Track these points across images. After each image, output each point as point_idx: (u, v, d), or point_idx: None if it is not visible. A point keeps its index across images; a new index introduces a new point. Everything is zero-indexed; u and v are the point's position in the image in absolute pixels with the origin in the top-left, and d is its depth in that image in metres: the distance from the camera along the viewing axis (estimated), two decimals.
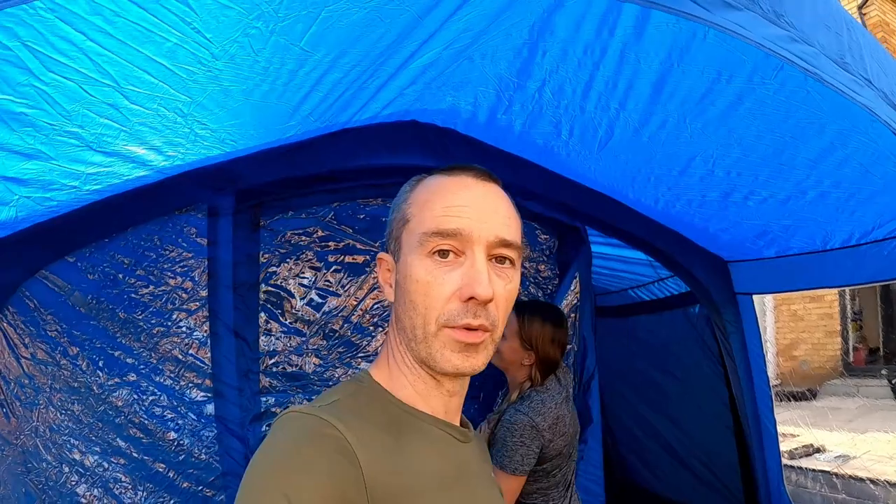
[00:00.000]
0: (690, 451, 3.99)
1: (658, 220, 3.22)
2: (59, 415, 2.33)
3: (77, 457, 2.33)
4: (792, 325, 9.28)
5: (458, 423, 1.29)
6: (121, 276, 2.50)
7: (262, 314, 2.66)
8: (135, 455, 2.39)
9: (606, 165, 2.87)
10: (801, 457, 5.54)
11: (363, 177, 2.80)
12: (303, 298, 2.73)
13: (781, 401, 8.30)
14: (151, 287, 2.51)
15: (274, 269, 2.73)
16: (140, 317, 2.48)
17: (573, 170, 3.01)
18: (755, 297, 3.53)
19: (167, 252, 2.55)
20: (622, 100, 2.30)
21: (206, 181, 2.56)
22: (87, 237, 2.49)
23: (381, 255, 1.29)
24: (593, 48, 2.02)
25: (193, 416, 2.48)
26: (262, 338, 2.63)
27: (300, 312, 2.73)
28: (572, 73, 2.20)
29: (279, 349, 2.69)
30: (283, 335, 2.69)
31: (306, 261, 2.79)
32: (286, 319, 2.71)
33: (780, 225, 2.91)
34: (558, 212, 3.12)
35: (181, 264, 2.55)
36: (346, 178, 2.78)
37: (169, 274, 2.53)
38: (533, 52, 2.14)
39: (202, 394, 2.48)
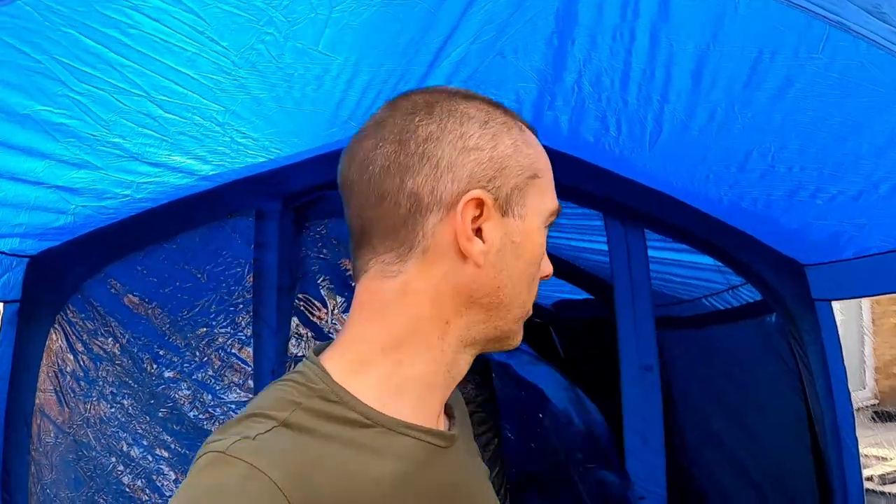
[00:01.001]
0: (766, 472, 3.67)
1: (724, 220, 3.00)
2: (109, 408, 2.46)
3: (124, 448, 2.45)
4: (893, 340, 8.57)
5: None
6: (172, 277, 2.63)
7: (295, 318, 2.67)
8: (178, 449, 2.46)
9: (662, 163, 2.71)
10: (892, 482, 5.06)
11: None
12: (338, 307, 2.72)
13: (878, 421, 7.65)
14: (200, 288, 2.59)
15: (315, 273, 2.74)
16: (187, 316, 2.57)
17: (628, 167, 2.86)
18: (851, 310, 3.25)
19: (216, 255, 2.63)
20: (663, 91, 2.16)
21: (254, 187, 2.64)
22: (141, 241, 2.64)
23: (480, 194, 0.95)
24: (621, 33, 1.89)
25: (234, 414, 2.50)
26: (292, 341, 2.64)
27: (334, 320, 2.72)
28: (606, 62, 2.08)
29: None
30: (314, 340, 2.69)
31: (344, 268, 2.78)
32: (320, 324, 2.70)
33: (854, 224, 2.65)
34: (616, 212, 2.97)
35: (229, 267, 2.60)
36: None
37: (217, 276, 2.60)
38: (563, 41, 2.04)
39: (243, 393, 2.51)
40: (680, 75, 2.05)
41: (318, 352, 1.02)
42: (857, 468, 3.27)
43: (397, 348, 0.97)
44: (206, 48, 1.82)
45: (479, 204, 0.95)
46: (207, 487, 0.79)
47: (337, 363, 0.97)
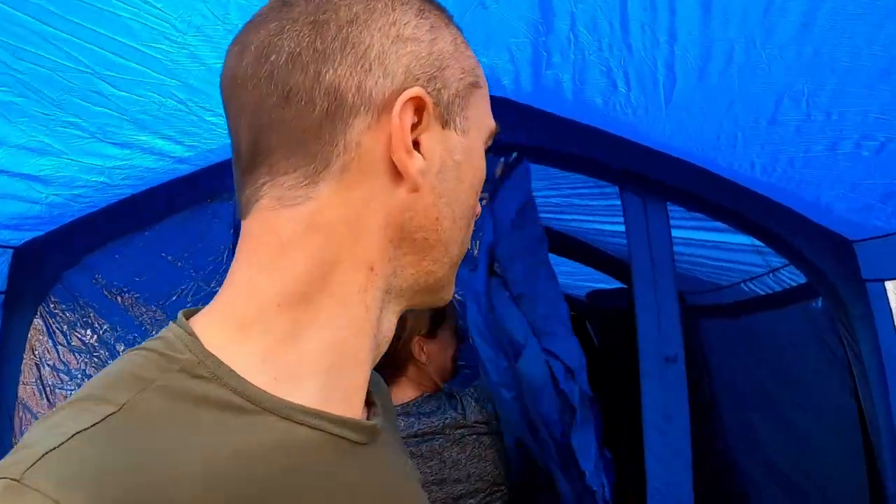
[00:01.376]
0: (811, 477, 3.30)
1: (758, 191, 2.68)
2: None
3: None
4: None
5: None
6: (150, 265, 2.59)
7: None
8: None
9: (681, 125, 2.39)
10: None
11: None
12: None
13: None
14: (177, 276, 2.49)
15: None
16: (164, 305, 2.49)
17: (645, 135, 2.56)
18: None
19: (195, 241, 2.51)
20: (669, 28, 1.85)
21: (232, 170, 2.41)
22: (121, 230, 2.56)
23: (421, 93, 0.73)
24: None
25: None
26: None
27: None
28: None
29: None
30: None
31: None
32: None
33: None
34: (633, 185, 2.68)
35: (208, 253, 2.47)
36: None
37: (195, 262, 2.49)
38: None
39: None
40: (685, 5, 1.77)
41: (189, 314, 0.76)
42: None
43: (299, 304, 0.71)
44: (142, 12, 1.60)
45: (419, 107, 0.73)
46: None
47: (213, 326, 0.72)
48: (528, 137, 2.57)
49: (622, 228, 3.37)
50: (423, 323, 2.11)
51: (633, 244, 2.71)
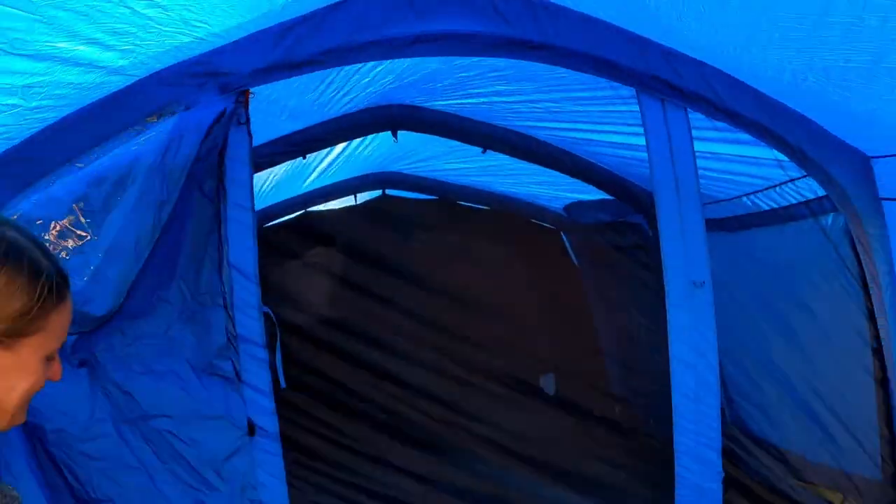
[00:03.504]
0: (818, 398, 3.29)
1: (783, 101, 2.49)
2: None
3: None
4: None
5: None
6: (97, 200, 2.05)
7: None
8: None
9: (711, 19, 2.14)
10: None
11: (378, 52, 2.20)
12: None
13: None
14: None
15: None
16: None
17: (668, 31, 2.30)
18: None
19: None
20: None
21: (179, 78, 2.09)
22: (48, 164, 2.09)
23: None
24: None
25: None
26: None
27: None
28: None
29: None
30: None
31: None
32: None
33: None
34: (653, 88, 2.43)
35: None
36: (354, 57, 2.20)
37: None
38: None
39: None
40: None
41: None
42: None
43: None
44: None
45: None
46: None
47: None
48: (533, 31, 2.30)
49: (618, 139, 3.19)
50: None
51: (654, 156, 2.51)
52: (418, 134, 3.60)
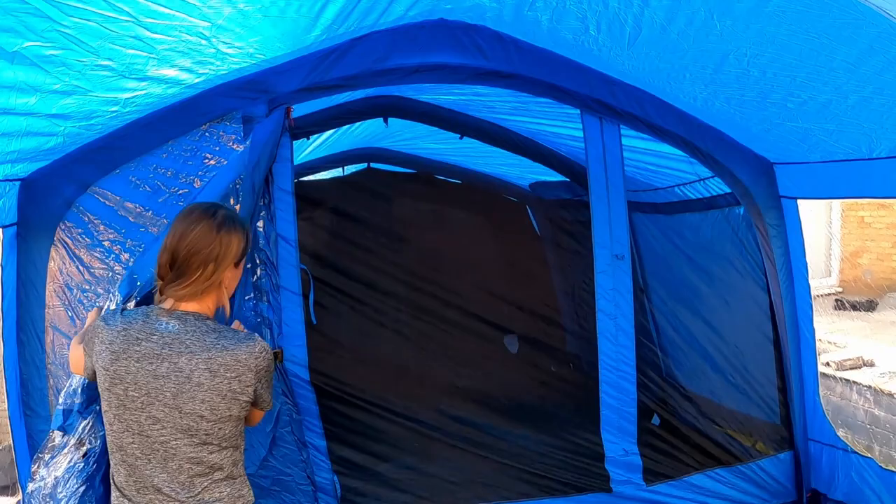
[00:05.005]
0: (728, 356, 4.04)
1: (698, 117, 3.19)
2: None
3: None
4: (859, 231, 8.97)
5: None
6: (164, 185, 2.75)
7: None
8: None
9: (639, 62, 2.84)
10: (849, 369, 5.54)
11: (387, 79, 2.92)
12: None
13: (839, 309, 8.20)
14: (193, 193, 2.71)
15: None
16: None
17: (606, 65, 2.99)
18: (821, 201, 3.52)
19: (206, 160, 2.76)
20: None
21: (238, 92, 2.76)
22: (131, 152, 2.75)
23: None
24: None
25: None
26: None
27: None
28: None
29: None
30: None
31: None
32: None
33: (822, 129, 2.85)
34: (593, 108, 3.16)
35: (218, 170, 2.72)
36: (373, 81, 2.91)
37: (207, 179, 2.72)
38: None
39: None
40: None
41: None
42: (814, 357, 3.61)
43: None
44: None
45: None
46: None
47: None
48: (505, 63, 2.99)
49: (572, 133, 3.87)
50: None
51: (591, 160, 3.24)
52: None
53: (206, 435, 1.91)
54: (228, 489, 1.96)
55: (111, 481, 1.99)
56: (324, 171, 5.37)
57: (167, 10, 2.03)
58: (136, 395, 1.88)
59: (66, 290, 2.74)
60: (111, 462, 1.97)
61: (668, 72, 2.89)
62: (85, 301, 2.73)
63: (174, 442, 1.89)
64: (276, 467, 2.82)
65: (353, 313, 4.82)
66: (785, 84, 2.59)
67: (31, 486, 2.38)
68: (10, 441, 2.85)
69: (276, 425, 2.77)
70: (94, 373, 1.98)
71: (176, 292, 1.91)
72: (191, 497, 1.91)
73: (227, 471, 1.97)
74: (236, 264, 2.00)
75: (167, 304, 1.95)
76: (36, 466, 2.38)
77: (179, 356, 1.87)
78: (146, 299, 2.31)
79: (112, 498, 1.97)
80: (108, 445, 1.95)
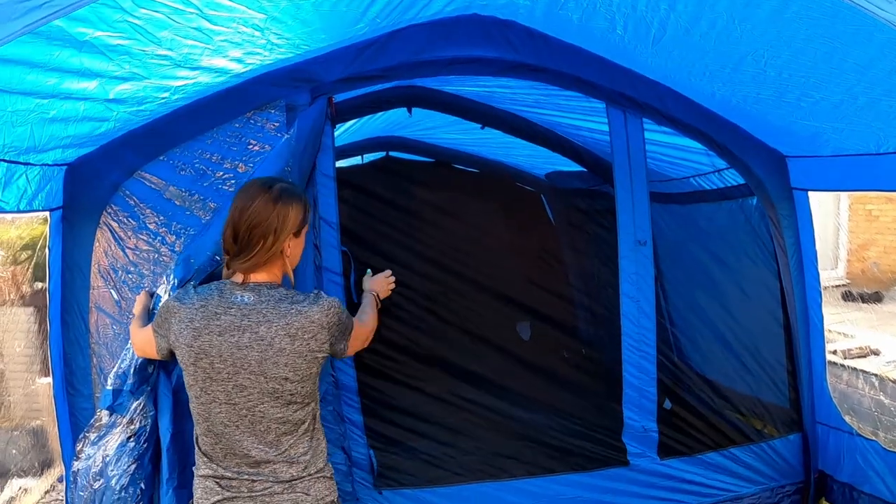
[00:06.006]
0: (740, 341, 4.23)
1: (716, 111, 3.42)
2: None
3: None
4: (866, 224, 9.22)
5: None
6: (209, 170, 2.94)
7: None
8: None
9: (662, 59, 3.07)
10: (855, 357, 5.78)
11: (423, 71, 3.15)
12: None
13: (847, 300, 8.45)
14: (237, 178, 2.91)
15: None
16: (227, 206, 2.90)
17: (631, 61, 3.22)
18: (830, 194, 3.72)
19: (250, 146, 2.95)
20: (671, 1, 2.51)
21: (283, 81, 2.96)
22: (177, 138, 2.94)
23: None
24: None
25: None
26: None
27: None
28: None
29: None
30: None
31: None
32: None
33: (833, 127, 3.08)
34: (618, 102, 3.38)
35: (262, 155, 2.92)
36: (410, 72, 3.14)
37: (252, 165, 2.91)
38: None
39: None
40: None
41: None
42: (822, 343, 3.84)
43: None
44: None
45: None
46: None
47: None
48: (534, 57, 3.21)
49: (592, 125, 4.09)
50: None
51: (615, 151, 3.47)
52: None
53: (291, 395, 2.13)
54: (309, 441, 2.19)
55: (196, 448, 2.21)
56: (343, 159, 5.51)
57: (230, 3, 2.23)
58: (222, 366, 2.08)
59: (111, 271, 2.92)
60: (197, 431, 2.20)
61: (688, 69, 3.11)
62: (129, 283, 2.91)
63: (261, 406, 2.10)
64: None
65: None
66: (799, 84, 2.82)
67: (77, 465, 2.57)
68: (33, 424, 3.03)
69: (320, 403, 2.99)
70: (170, 352, 2.21)
71: (241, 265, 2.14)
72: (278, 455, 2.14)
73: (307, 423, 2.19)
74: (297, 234, 2.20)
75: (238, 278, 2.17)
76: (81, 445, 2.58)
77: (259, 325, 2.07)
78: (206, 281, 2.48)
79: (198, 464, 2.19)
80: (194, 416, 2.17)
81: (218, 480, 2.14)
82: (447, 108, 4.32)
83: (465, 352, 4.87)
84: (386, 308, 4.87)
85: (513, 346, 5.06)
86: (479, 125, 4.48)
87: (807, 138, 3.31)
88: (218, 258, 2.52)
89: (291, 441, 2.16)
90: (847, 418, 3.88)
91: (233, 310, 2.10)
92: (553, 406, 4.33)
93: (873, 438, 3.67)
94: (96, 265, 2.94)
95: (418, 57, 3.06)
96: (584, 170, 4.94)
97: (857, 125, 2.97)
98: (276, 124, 2.96)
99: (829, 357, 5.78)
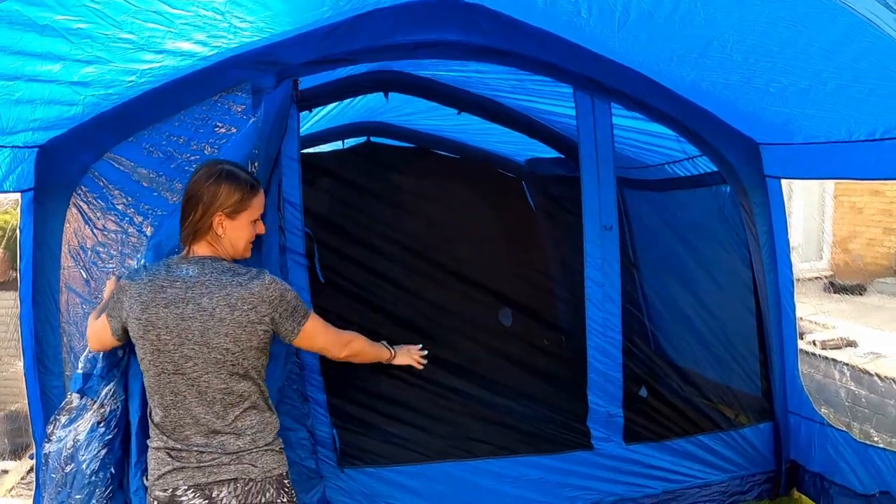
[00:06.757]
0: (712, 329, 4.25)
1: (686, 97, 3.41)
2: None
3: None
4: (850, 217, 9.24)
5: None
6: (177, 152, 2.97)
7: None
8: None
9: (630, 43, 3.06)
10: (833, 348, 5.81)
11: (390, 55, 3.15)
12: None
13: (829, 292, 8.49)
14: (203, 160, 2.83)
15: None
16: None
17: (599, 45, 3.21)
18: (815, 185, 3.73)
19: (217, 128, 2.97)
20: None
21: (248, 64, 2.97)
22: (146, 121, 2.96)
23: None
24: None
25: None
26: None
27: None
28: None
29: None
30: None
31: None
32: None
33: (804, 114, 3.07)
34: (585, 86, 3.37)
35: (229, 137, 2.93)
36: (377, 56, 3.13)
37: (218, 147, 2.94)
38: None
39: None
40: None
41: None
42: (794, 332, 3.85)
43: None
44: None
45: None
46: None
47: None
48: (501, 41, 3.20)
49: (568, 111, 4.08)
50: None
51: (582, 135, 3.47)
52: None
53: (233, 365, 2.19)
54: (258, 417, 2.25)
55: (149, 421, 2.27)
56: (324, 143, 5.54)
57: None
58: (168, 338, 2.15)
59: (80, 252, 2.96)
60: (150, 404, 2.25)
61: (656, 54, 3.10)
62: (99, 262, 2.96)
63: (206, 376, 2.17)
64: (280, 423, 3.05)
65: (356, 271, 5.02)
66: (766, 69, 2.80)
67: (48, 447, 2.59)
68: (11, 408, 3.06)
69: (284, 382, 3.02)
70: (124, 332, 2.26)
71: (181, 235, 2.25)
72: (226, 425, 2.20)
73: (252, 400, 2.24)
74: (231, 216, 2.24)
75: (185, 253, 2.26)
76: (52, 427, 2.60)
77: (202, 297, 2.15)
78: None
79: (151, 437, 2.25)
80: (147, 390, 2.23)
81: (169, 451, 2.19)
82: (423, 93, 4.31)
83: (443, 339, 4.88)
84: (362, 295, 4.97)
85: (491, 334, 5.06)
86: (456, 111, 4.47)
87: (779, 125, 3.31)
88: None
89: (237, 413, 2.22)
90: (823, 411, 3.91)
91: (178, 283, 2.17)
92: (526, 392, 4.33)
93: (845, 429, 3.69)
94: (66, 245, 2.98)
95: (385, 41, 3.05)
96: (563, 156, 4.93)
97: (827, 112, 2.96)
98: (243, 107, 2.97)
99: (808, 347, 5.86)
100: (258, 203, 2.32)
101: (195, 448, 2.19)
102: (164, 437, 2.20)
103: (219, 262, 2.23)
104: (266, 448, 2.26)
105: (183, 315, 2.14)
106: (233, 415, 2.21)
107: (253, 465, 2.22)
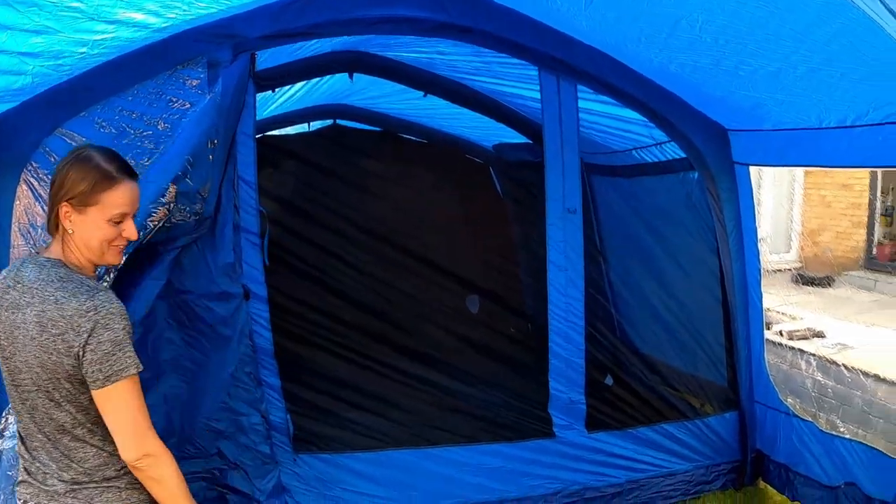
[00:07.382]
0: (678, 318, 4.23)
1: (654, 80, 3.35)
2: None
3: None
4: (820, 210, 9.34)
5: None
6: (130, 127, 2.85)
7: None
8: None
9: (596, 23, 3.00)
10: (800, 339, 5.84)
11: (350, 29, 3.07)
12: None
13: (797, 283, 8.57)
14: (156, 135, 2.84)
15: None
16: (147, 163, 2.82)
17: (565, 23, 3.14)
18: (784, 178, 3.69)
19: (171, 103, 2.86)
20: None
21: (204, 37, 2.86)
22: (98, 94, 2.85)
23: None
24: None
25: None
26: None
27: None
28: None
29: None
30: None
31: None
32: None
33: (773, 99, 3.02)
34: (551, 67, 3.31)
35: (183, 113, 2.83)
36: (337, 30, 3.05)
37: (171, 123, 2.83)
38: None
39: None
40: None
41: None
42: (761, 321, 3.81)
43: None
44: None
45: None
46: None
47: None
48: (464, 18, 3.12)
49: (534, 94, 4.03)
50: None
51: (546, 117, 3.40)
52: (369, 77, 4.27)
53: (47, 392, 1.85)
54: (94, 450, 1.90)
55: None
56: (290, 125, 5.44)
57: None
58: (6, 344, 1.86)
59: (31, 230, 2.85)
60: None
61: (623, 34, 3.03)
62: (48, 240, 2.82)
63: (32, 393, 1.86)
64: (233, 409, 2.97)
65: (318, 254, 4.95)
66: (736, 52, 2.74)
67: (1, 444, 2.50)
68: None
69: (237, 365, 2.94)
70: None
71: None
72: (59, 454, 1.91)
73: (80, 430, 1.89)
74: (78, 207, 1.86)
75: (40, 249, 1.98)
76: (3, 423, 2.53)
77: (29, 306, 1.82)
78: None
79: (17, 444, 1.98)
80: None
81: (24, 463, 1.96)
82: (388, 74, 4.24)
83: (405, 325, 4.85)
84: (321, 278, 4.92)
85: (456, 321, 5.04)
86: (422, 93, 4.41)
87: (747, 110, 3.26)
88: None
89: (67, 441, 1.90)
90: (790, 401, 3.89)
91: (19, 286, 1.87)
92: (489, 379, 4.31)
93: (811, 420, 3.66)
94: (17, 223, 2.86)
95: (345, 15, 2.96)
96: (531, 141, 4.88)
97: (797, 97, 2.91)
98: (198, 81, 2.86)
99: (775, 338, 5.87)
100: (118, 199, 1.88)
101: (39, 464, 1.91)
102: (23, 448, 1.95)
103: (59, 267, 1.87)
104: (106, 484, 1.92)
105: (16, 322, 1.83)
106: (64, 442, 1.89)
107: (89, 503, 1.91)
